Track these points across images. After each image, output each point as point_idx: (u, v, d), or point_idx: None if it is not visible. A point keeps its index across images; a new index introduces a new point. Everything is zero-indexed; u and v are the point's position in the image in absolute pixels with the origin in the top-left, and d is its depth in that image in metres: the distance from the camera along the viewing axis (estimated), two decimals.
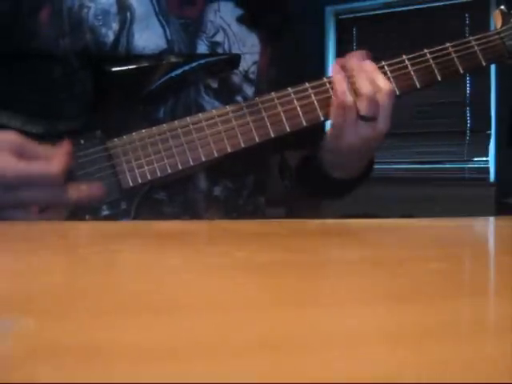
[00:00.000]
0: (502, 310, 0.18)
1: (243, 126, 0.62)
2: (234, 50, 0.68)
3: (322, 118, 0.63)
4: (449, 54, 0.65)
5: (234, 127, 0.62)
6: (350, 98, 0.61)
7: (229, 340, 0.14)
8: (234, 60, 0.66)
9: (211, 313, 0.17)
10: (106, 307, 0.17)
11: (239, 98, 0.68)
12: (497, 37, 0.67)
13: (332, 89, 0.63)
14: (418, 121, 2.86)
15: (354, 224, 0.51)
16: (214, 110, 0.62)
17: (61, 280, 0.22)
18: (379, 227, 0.48)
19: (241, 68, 0.68)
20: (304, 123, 0.63)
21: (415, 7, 2.89)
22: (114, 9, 0.63)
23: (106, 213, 0.61)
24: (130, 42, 0.63)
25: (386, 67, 0.64)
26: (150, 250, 0.33)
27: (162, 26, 0.65)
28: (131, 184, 0.60)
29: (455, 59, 0.65)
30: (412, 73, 0.64)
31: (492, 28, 0.70)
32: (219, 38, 0.68)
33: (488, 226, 0.53)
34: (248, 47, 0.70)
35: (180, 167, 0.61)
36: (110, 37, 0.63)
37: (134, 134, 0.61)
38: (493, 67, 2.51)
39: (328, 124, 0.66)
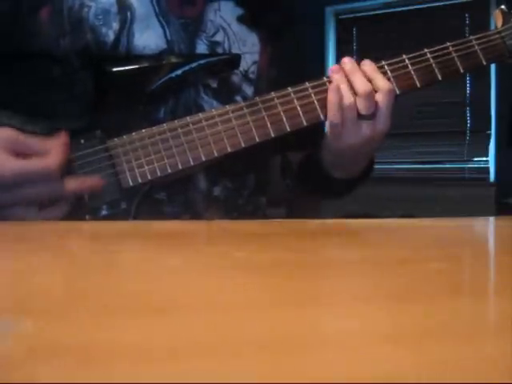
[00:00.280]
0: (502, 310, 0.18)
1: (243, 126, 0.62)
2: (234, 50, 0.68)
3: (322, 118, 0.63)
4: (449, 53, 0.65)
5: (234, 127, 0.62)
6: (349, 98, 0.61)
7: (229, 340, 0.14)
8: (234, 60, 0.66)
9: (211, 313, 0.17)
10: (105, 307, 0.17)
11: (239, 98, 0.68)
12: (497, 36, 0.67)
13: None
14: (418, 121, 2.85)
15: (355, 224, 0.51)
16: (214, 110, 0.62)
17: (61, 280, 0.22)
18: (379, 227, 0.48)
19: (241, 68, 0.68)
20: (304, 123, 0.63)
21: (415, 7, 2.88)
22: (114, 8, 0.63)
23: (105, 213, 0.61)
24: (130, 42, 0.63)
25: (385, 67, 0.64)
26: (150, 250, 0.33)
27: (162, 26, 0.65)
28: (131, 184, 0.60)
29: (455, 58, 0.65)
30: (412, 72, 0.64)
31: (492, 28, 0.70)
32: (219, 37, 0.68)
33: (488, 226, 0.53)
34: (248, 47, 0.70)
35: (180, 167, 0.61)
36: (111, 36, 0.63)
37: (134, 133, 0.61)
38: (493, 67, 2.51)
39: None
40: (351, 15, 3.05)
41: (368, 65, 0.63)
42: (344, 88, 0.62)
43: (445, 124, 2.82)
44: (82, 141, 0.60)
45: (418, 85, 0.64)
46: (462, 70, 0.65)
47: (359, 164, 0.69)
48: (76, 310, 0.17)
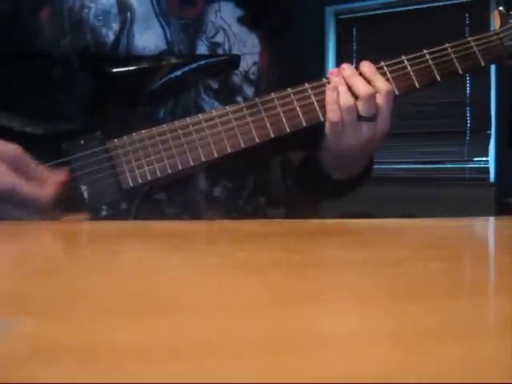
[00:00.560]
0: (502, 310, 0.18)
1: (243, 127, 0.62)
2: (235, 51, 0.68)
3: (322, 119, 0.63)
4: (448, 54, 0.65)
5: (234, 127, 0.62)
6: (348, 99, 0.61)
7: (229, 340, 0.14)
8: (234, 61, 0.66)
9: (211, 313, 0.17)
10: (106, 307, 0.17)
11: (239, 99, 0.68)
12: (496, 37, 0.67)
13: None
14: (418, 121, 2.85)
15: (355, 224, 0.51)
16: (213, 111, 0.62)
17: (61, 280, 0.22)
18: (380, 227, 0.48)
19: (241, 68, 0.68)
20: (304, 123, 0.63)
21: (415, 7, 2.89)
22: (114, 9, 0.63)
23: (105, 213, 0.61)
24: (130, 43, 0.63)
25: (385, 68, 0.64)
26: (150, 250, 0.33)
27: (162, 27, 0.65)
28: (131, 184, 0.60)
29: (454, 60, 0.65)
30: (411, 73, 0.64)
31: (492, 28, 0.70)
32: (219, 38, 0.68)
33: (488, 226, 0.53)
34: (248, 48, 0.70)
35: (180, 167, 0.61)
36: (111, 37, 0.63)
37: (134, 134, 0.61)
38: (493, 67, 2.51)
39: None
40: (351, 15, 3.05)
41: (367, 66, 0.63)
42: (342, 88, 0.62)
43: (445, 124, 2.82)
44: (82, 142, 0.60)
45: (417, 86, 0.65)
46: (460, 71, 0.66)
47: (359, 164, 0.69)
48: (76, 310, 0.17)
